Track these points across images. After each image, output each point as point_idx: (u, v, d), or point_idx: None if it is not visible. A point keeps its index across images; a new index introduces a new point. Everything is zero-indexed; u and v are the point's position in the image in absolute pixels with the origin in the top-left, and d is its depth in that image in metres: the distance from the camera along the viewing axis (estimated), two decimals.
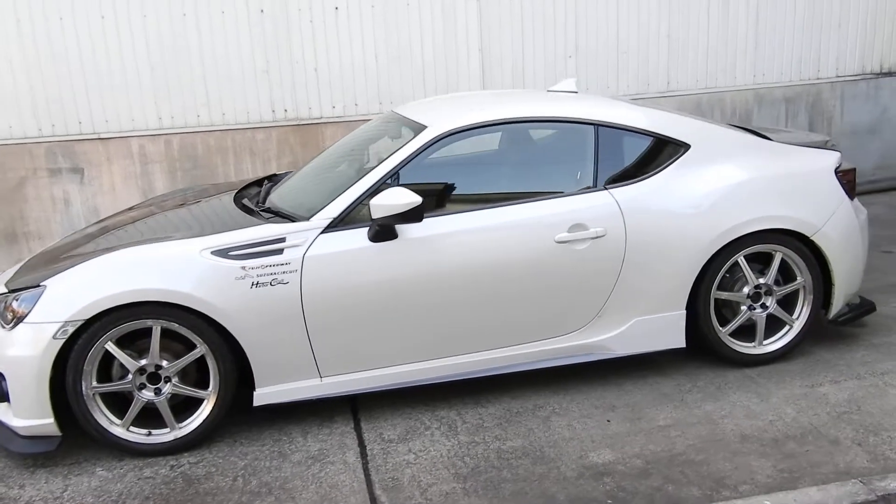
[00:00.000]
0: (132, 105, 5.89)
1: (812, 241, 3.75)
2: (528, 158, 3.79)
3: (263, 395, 3.40)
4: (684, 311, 3.70)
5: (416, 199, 3.25)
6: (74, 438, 3.32)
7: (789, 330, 3.88)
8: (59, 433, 3.24)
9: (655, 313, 3.67)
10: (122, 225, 3.98)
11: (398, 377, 3.50)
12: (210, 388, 3.33)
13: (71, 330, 3.13)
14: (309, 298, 3.30)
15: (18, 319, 3.19)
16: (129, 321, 3.19)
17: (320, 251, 3.33)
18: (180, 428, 3.34)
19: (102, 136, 5.90)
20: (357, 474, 3.10)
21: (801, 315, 3.87)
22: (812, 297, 3.84)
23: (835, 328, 4.13)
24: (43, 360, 3.13)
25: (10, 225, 5.84)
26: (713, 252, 3.64)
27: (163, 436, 3.33)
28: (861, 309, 4.05)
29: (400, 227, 3.38)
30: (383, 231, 3.34)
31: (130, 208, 4.60)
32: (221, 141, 6.08)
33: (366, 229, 3.36)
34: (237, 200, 3.99)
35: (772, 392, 3.58)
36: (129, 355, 3.24)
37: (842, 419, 3.30)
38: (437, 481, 3.02)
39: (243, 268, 3.26)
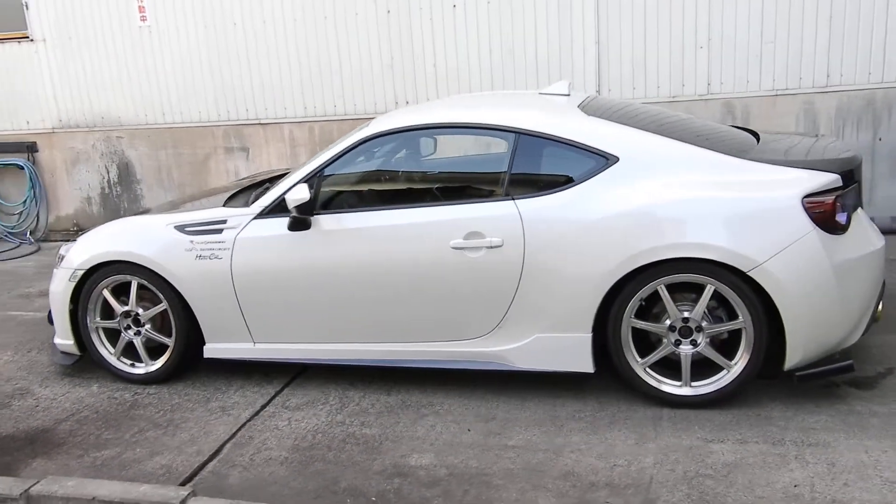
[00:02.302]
0: (284, 96, 6.95)
1: (752, 278, 3.22)
2: (448, 163, 3.84)
3: (211, 349, 4.07)
4: (590, 335, 3.47)
5: (303, 196, 3.60)
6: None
7: (725, 374, 3.38)
8: (78, 353, 4.30)
9: (558, 332, 3.50)
10: (199, 197, 4.91)
11: (315, 354, 3.90)
12: (172, 338, 4.11)
13: (79, 275, 4.13)
14: (237, 274, 3.86)
15: (60, 263, 4.30)
16: (115, 275, 4.09)
17: (249, 234, 3.86)
18: (151, 365, 4.18)
19: (262, 121, 7.07)
20: (234, 427, 3.62)
21: (740, 360, 3.34)
22: (754, 341, 3.29)
23: (862, 383, 3.46)
24: (64, 296, 4.19)
25: (199, 189, 7.33)
26: (620, 276, 3.34)
27: (139, 369, 4.20)
28: (831, 366, 3.32)
29: (315, 219, 3.75)
30: (295, 221, 3.74)
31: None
32: (353, 128, 6.84)
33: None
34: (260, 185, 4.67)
35: (657, 437, 3.21)
36: (120, 301, 4.16)
37: (691, 482, 2.88)
38: (274, 448, 3.40)
39: (192, 241, 3.94)
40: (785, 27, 5.85)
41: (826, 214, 3.22)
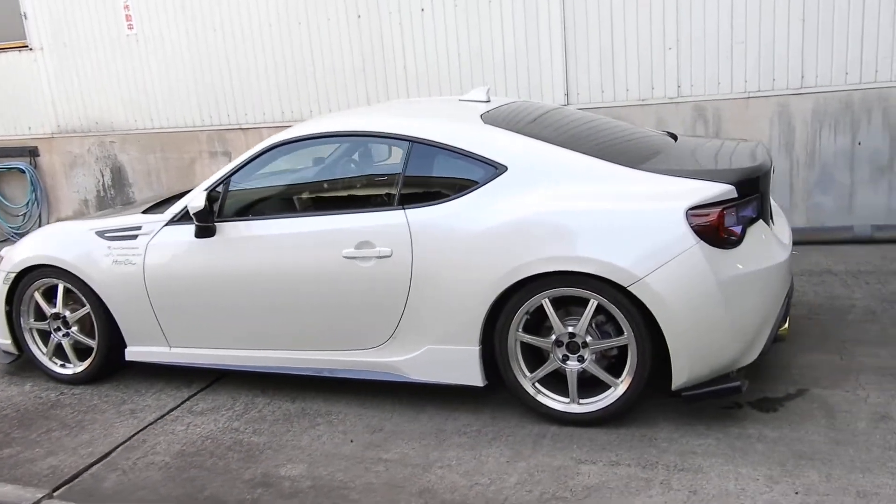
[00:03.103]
0: (263, 101, 7.04)
1: (632, 293, 3.09)
2: (348, 171, 3.81)
3: (131, 352, 4.15)
4: (478, 348, 3.39)
5: (199, 204, 3.63)
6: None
7: (612, 392, 3.26)
8: (16, 352, 4.44)
9: (448, 344, 3.44)
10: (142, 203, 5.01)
11: (223, 360, 3.92)
12: (96, 340, 4.20)
13: (11, 277, 4.26)
14: (149, 279, 3.93)
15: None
16: (42, 278, 4.21)
17: (160, 240, 3.91)
18: (78, 366, 4.28)
19: (243, 126, 7.17)
20: (134, 430, 3.68)
21: (625, 378, 3.22)
22: (637, 359, 3.17)
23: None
24: (1, 297, 4.34)
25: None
26: (503, 289, 3.26)
27: (68, 370, 4.32)
28: (718, 387, 3.16)
29: (220, 227, 3.78)
30: (199, 228, 3.78)
31: None
32: None
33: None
34: None
35: (532, 455, 3.12)
36: (50, 304, 4.27)
37: (523, 500, 2.78)
38: (161, 452, 3.44)
39: (109, 247, 4.03)
40: (756, 26, 5.61)
41: (711, 227, 3.07)
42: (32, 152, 8.01)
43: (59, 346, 4.31)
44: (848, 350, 3.82)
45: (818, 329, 4.12)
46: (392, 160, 3.62)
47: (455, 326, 3.40)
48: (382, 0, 6.43)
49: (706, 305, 3.07)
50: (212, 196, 3.77)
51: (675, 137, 4.06)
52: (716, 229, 3.08)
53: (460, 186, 3.43)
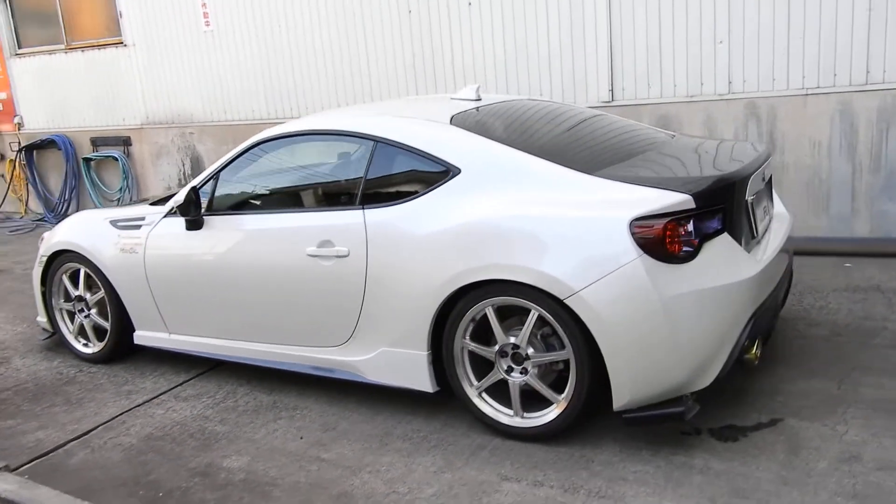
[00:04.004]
0: (322, 96, 7.22)
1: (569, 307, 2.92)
2: (319, 170, 3.82)
3: (139, 336, 4.41)
4: (427, 353, 3.33)
5: (179, 199, 3.80)
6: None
7: (553, 408, 3.10)
8: (51, 330, 4.84)
9: (399, 348, 3.40)
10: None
11: (211, 348, 4.08)
12: (110, 322, 4.50)
13: (44, 260, 4.65)
14: (149, 268, 4.15)
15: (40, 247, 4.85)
16: (68, 263, 4.55)
17: (159, 231, 4.13)
18: (96, 346, 4.61)
19: None
20: (121, 410, 3.91)
21: (568, 393, 3.05)
22: (576, 375, 2.99)
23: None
24: (37, 278, 4.74)
25: None
26: (448, 294, 3.18)
27: (89, 349, 4.65)
28: (659, 411, 2.92)
29: (207, 220, 3.93)
30: (189, 222, 3.94)
31: None
32: None
33: None
34: None
35: (462, 468, 3.04)
36: (75, 287, 4.62)
37: None
38: (132, 434, 3.64)
39: (119, 235, 4.29)
40: (816, 17, 5.10)
41: (656, 240, 2.84)
42: (126, 141, 8.65)
43: (82, 326, 4.66)
44: (852, 378, 3.43)
45: (831, 352, 3.73)
46: (359, 159, 3.62)
47: (406, 330, 3.36)
48: None
49: (648, 323, 2.85)
50: (202, 190, 3.93)
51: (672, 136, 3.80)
52: (661, 242, 2.85)
53: (418, 188, 3.37)
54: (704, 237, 2.94)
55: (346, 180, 3.66)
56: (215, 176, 3.99)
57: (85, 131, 8.96)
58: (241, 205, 3.95)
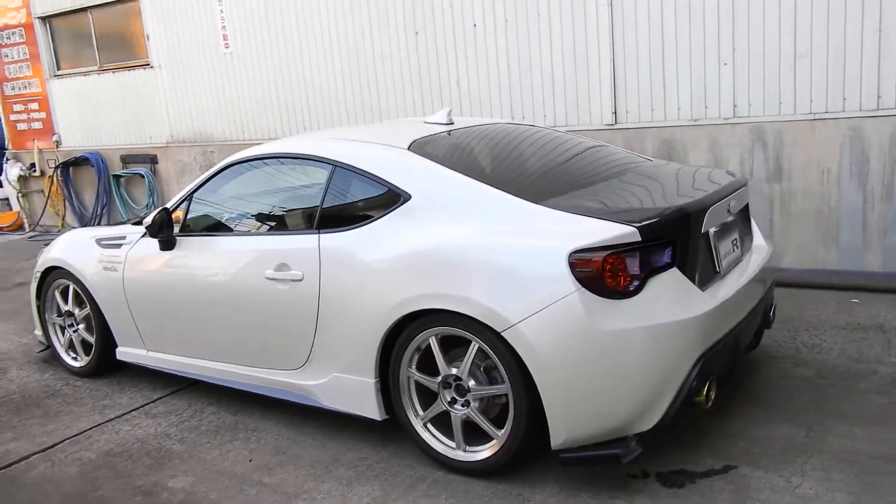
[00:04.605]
0: (333, 116, 7.27)
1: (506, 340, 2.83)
2: (285, 193, 3.82)
3: (121, 352, 4.48)
4: (374, 381, 3.27)
5: (148, 221, 3.86)
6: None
7: (493, 443, 3.00)
8: (46, 343, 4.96)
9: (350, 374, 3.36)
10: None
11: (182, 367, 4.11)
12: (94, 337, 4.58)
13: (38, 276, 4.78)
14: (127, 286, 4.22)
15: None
16: (59, 279, 4.67)
17: (137, 251, 4.19)
18: (84, 359, 4.69)
19: None
20: (91, 425, 3.96)
21: (508, 429, 2.94)
22: (514, 410, 2.89)
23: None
24: (33, 292, 4.87)
25: None
26: (392, 322, 3.12)
27: (78, 362, 4.74)
28: (595, 452, 2.79)
29: (179, 240, 3.97)
30: (161, 242, 3.99)
31: None
32: None
33: None
34: None
35: (395, 500, 2.95)
36: (65, 302, 4.72)
37: None
38: (93, 450, 3.67)
39: (102, 254, 4.38)
40: (823, 38, 4.89)
41: (594, 274, 2.73)
42: (153, 159, 8.89)
43: (71, 341, 4.76)
44: (823, 426, 3.22)
45: (811, 395, 3.52)
46: (318, 183, 3.60)
47: (355, 356, 3.31)
48: (438, 17, 6.40)
49: (584, 360, 2.74)
50: (176, 211, 4.00)
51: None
52: (600, 276, 2.73)
53: (372, 213, 3.34)
54: (651, 272, 2.81)
55: (306, 204, 3.65)
56: (189, 197, 4.05)
57: (116, 149, 9.25)
58: (212, 226, 3.99)
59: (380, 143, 3.55)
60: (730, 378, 3.45)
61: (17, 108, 10.21)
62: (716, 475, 2.92)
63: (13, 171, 10.34)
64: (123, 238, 4.30)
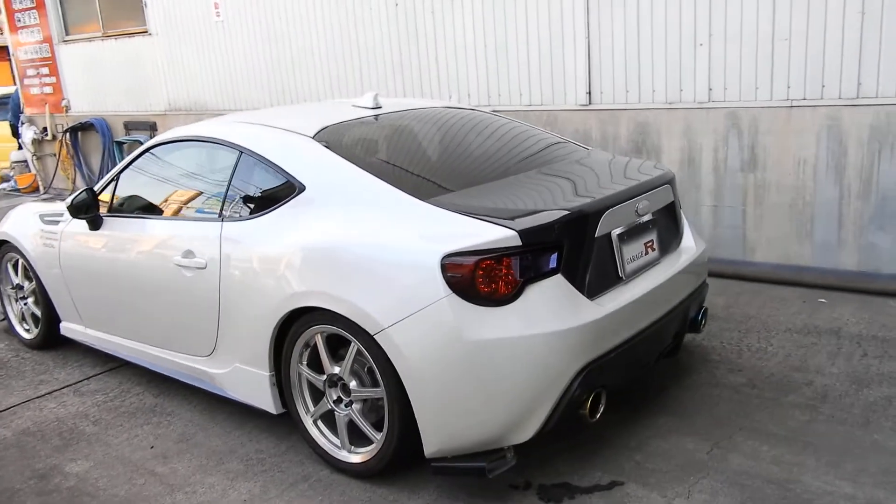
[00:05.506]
0: (319, 93, 7.15)
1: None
2: (198, 178, 3.72)
3: (64, 327, 4.51)
4: (269, 374, 3.21)
5: (68, 200, 3.82)
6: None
7: (372, 446, 2.91)
8: (3, 314, 5.04)
9: (248, 366, 3.30)
10: None
11: (115, 347, 4.12)
12: (41, 311, 4.63)
13: None
14: (63, 261, 4.23)
15: None
16: (10, 252, 4.71)
17: (70, 228, 4.19)
18: (34, 332, 4.75)
19: None
20: (20, 400, 4.01)
21: (384, 434, 2.85)
22: (388, 414, 2.79)
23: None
24: None
25: None
26: (280, 317, 3.04)
27: (29, 335, 4.81)
28: (463, 464, 2.67)
29: (106, 220, 3.95)
30: (88, 221, 3.97)
31: None
32: None
33: None
34: None
35: (272, 499, 2.90)
36: (17, 275, 4.78)
37: None
38: (11, 427, 3.72)
39: (42, 230, 4.39)
40: (803, 20, 4.55)
41: (465, 279, 2.59)
42: (152, 127, 8.94)
43: (23, 313, 4.83)
44: (731, 442, 3.04)
45: (731, 407, 3.33)
46: (226, 169, 3.51)
47: (252, 349, 3.25)
48: None
49: (454, 368, 2.61)
50: (103, 192, 3.99)
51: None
52: (472, 282, 2.59)
53: (271, 203, 3.24)
54: (530, 279, 2.66)
55: (213, 191, 3.56)
56: (116, 178, 4.01)
57: (119, 115, 9.32)
58: (134, 208, 3.94)
59: (286, 130, 3.42)
60: (629, 389, 3.28)
61: (30, 72, 10.36)
62: (598, 491, 2.78)
63: (28, 133, 10.54)
64: (61, 215, 4.30)
